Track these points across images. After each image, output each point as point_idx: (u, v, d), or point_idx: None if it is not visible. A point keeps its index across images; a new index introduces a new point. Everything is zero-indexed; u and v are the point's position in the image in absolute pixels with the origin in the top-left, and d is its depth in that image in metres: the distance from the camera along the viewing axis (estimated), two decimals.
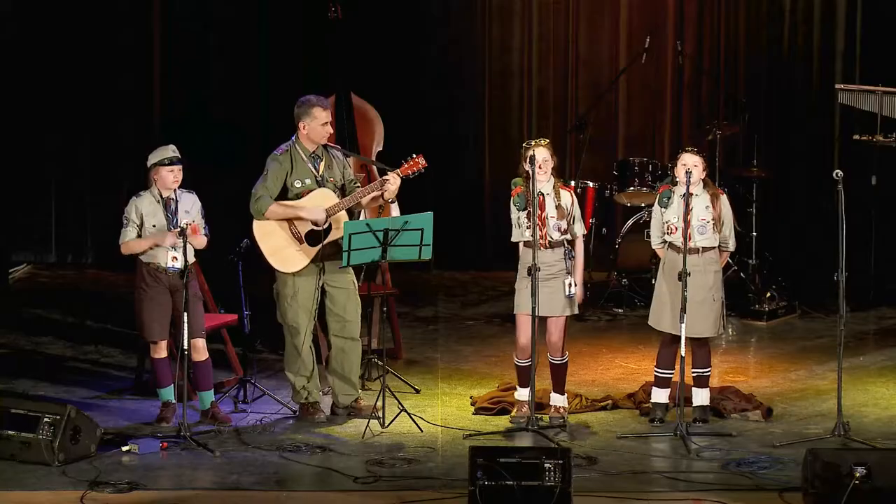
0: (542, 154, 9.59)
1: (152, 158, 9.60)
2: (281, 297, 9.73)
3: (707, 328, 9.64)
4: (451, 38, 14.40)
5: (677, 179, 9.60)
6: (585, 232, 9.85)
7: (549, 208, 9.60)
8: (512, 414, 9.82)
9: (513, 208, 9.68)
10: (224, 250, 10.10)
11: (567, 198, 9.71)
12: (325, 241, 9.63)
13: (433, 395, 10.44)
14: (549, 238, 9.58)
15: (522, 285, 9.63)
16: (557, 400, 9.80)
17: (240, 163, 13.09)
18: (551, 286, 9.57)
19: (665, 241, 9.70)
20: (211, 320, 10.19)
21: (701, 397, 9.71)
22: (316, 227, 9.63)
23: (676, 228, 9.57)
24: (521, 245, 9.72)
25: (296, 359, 9.77)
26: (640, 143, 14.20)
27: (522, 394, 9.80)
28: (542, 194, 9.61)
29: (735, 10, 14.20)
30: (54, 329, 12.24)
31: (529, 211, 9.56)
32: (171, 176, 9.58)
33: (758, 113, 13.76)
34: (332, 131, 9.77)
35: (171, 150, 9.61)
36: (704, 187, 9.66)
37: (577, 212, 9.72)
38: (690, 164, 9.55)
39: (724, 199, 9.73)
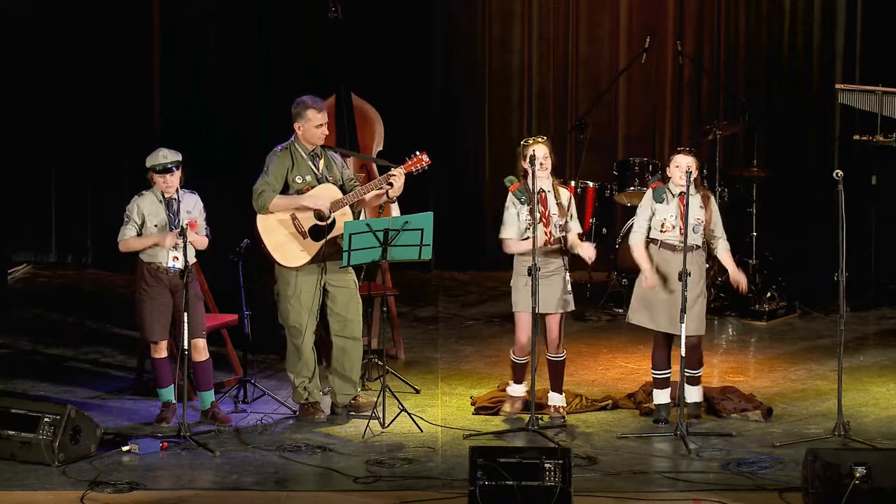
0: (542, 151, 9.60)
1: (148, 161, 9.56)
2: (282, 297, 9.72)
3: (700, 326, 9.63)
4: (451, 38, 14.41)
5: (669, 178, 9.62)
6: (581, 230, 9.84)
7: (550, 206, 9.61)
8: (505, 409, 9.81)
9: (513, 203, 9.66)
10: (224, 250, 10.10)
11: (566, 196, 9.73)
12: (328, 237, 9.62)
13: (433, 395, 10.43)
14: (553, 235, 9.59)
15: (521, 283, 9.63)
16: (556, 399, 9.81)
17: (240, 163, 13.09)
18: (550, 283, 9.58)
19: (650, 238, 9.67)
20: (211, 320, 10.19)
21: (694, 394, 9.71)
22: (320, 223, 9.62)
23: (674, 227, 9.58)
24: (514, 243, 9.69)
25: (297, 359, 9.76)
26: (640, 143, 14.19)
27: (516, 389, 9.82)
28: (544, 191, 9.62)
29: (735, 10, 14.19)
30: (54, 329, 12.23)
31: (531, 208, 9.57)
32: (162, 182, 9.54)
33: (758, 113, 13.76)
34: (327, 133, 9.74)
35: (161, 157, 9.51)
36: (695, 188, 9.68)
37: (574, 210, 9.74)
38: (684, 164, 9.56)
39: (713, 199, 9.77)
